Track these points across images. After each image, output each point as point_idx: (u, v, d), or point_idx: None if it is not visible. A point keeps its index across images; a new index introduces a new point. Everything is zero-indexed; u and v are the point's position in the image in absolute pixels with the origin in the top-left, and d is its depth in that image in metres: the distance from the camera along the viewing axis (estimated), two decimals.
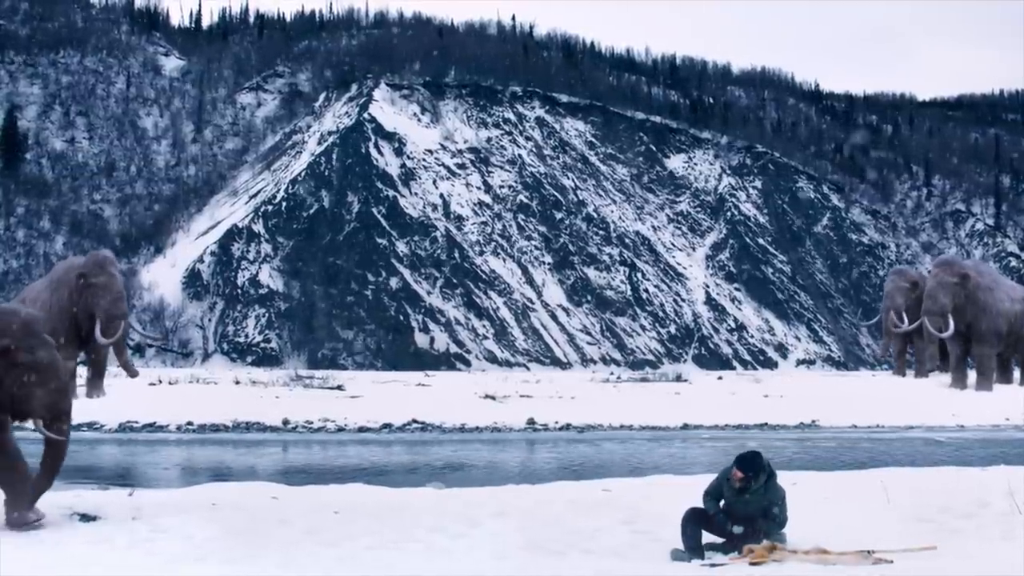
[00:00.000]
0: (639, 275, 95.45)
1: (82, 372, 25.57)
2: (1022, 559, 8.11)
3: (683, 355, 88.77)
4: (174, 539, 8.93)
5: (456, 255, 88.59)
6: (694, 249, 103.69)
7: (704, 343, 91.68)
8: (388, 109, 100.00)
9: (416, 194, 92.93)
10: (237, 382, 29.81)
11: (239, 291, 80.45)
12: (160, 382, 29.11)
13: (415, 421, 21.16)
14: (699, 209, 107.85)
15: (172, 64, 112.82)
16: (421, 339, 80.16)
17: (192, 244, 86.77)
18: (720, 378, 39.69)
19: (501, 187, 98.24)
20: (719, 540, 8.91)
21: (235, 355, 74.77)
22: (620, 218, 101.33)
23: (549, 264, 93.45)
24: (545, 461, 16.95)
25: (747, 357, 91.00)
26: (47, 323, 9.74)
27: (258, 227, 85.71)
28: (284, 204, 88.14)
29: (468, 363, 77.94)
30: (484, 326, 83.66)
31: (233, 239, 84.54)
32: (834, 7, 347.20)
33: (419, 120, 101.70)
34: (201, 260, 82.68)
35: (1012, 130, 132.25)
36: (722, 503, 8.89)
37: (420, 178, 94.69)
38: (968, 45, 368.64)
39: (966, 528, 9.43)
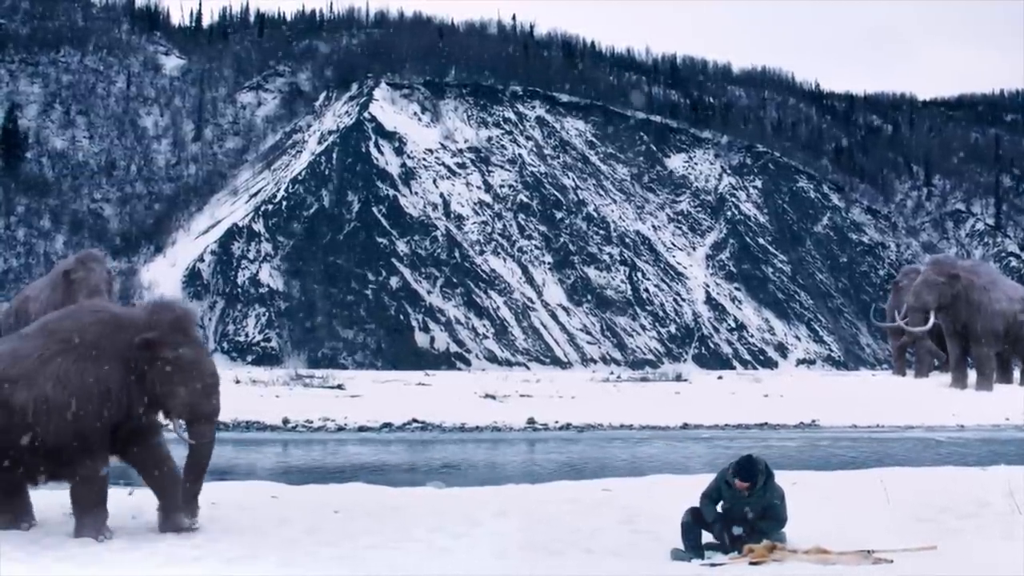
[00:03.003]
0: (639, 275, 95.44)
1: None
2: (1022, 559, 8.11)
3: (683, 355, 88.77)
4: (173, 538, 8.93)
5: (456, 254, 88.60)
6: (694, 249, 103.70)
7: (704, 343, 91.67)
8: (388, 108, 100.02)
9: (416, 193, 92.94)
10: (237, 381, 29.75)
11: (239, 290, 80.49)
12: None
13: (415, 420, 21.14)
14: (699, 209, 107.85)
15: (172, 63, 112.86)
16: (421, 338, 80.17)
17: (192, 243, 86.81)
18: (720, 378, 39.64)
19: (501, 186, 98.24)
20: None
21: (235, 354, 74.79)
22: (620, 218, 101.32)
23: (549, 264, 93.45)
24: (545, 460, 16.95)
25: (747, 357, 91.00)
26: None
27: (258, 226, 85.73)
28: (284, 203, 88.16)
29: (468, 363, 77.95)
30: (484, 325, 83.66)
31: (233, 238, 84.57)
32: (834, 7, 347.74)
33: (419, 119, 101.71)
34: (201, 259, 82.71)
35: (1013, 130, 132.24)
36: (720, 506, 8.87)
37: (420, 177, 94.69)
38: (968, 45, 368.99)
39: (966, 528, 9.43)
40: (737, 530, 8.73)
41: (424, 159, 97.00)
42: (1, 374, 8.67)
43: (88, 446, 8.76)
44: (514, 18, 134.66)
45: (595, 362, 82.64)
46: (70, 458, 8.76)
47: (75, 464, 8.78)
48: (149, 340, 8.86)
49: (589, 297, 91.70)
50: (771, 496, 8.80)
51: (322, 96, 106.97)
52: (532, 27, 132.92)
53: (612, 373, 43.95)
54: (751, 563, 8.24)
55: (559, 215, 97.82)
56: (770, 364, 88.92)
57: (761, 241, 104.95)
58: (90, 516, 8.87)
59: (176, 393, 8.96)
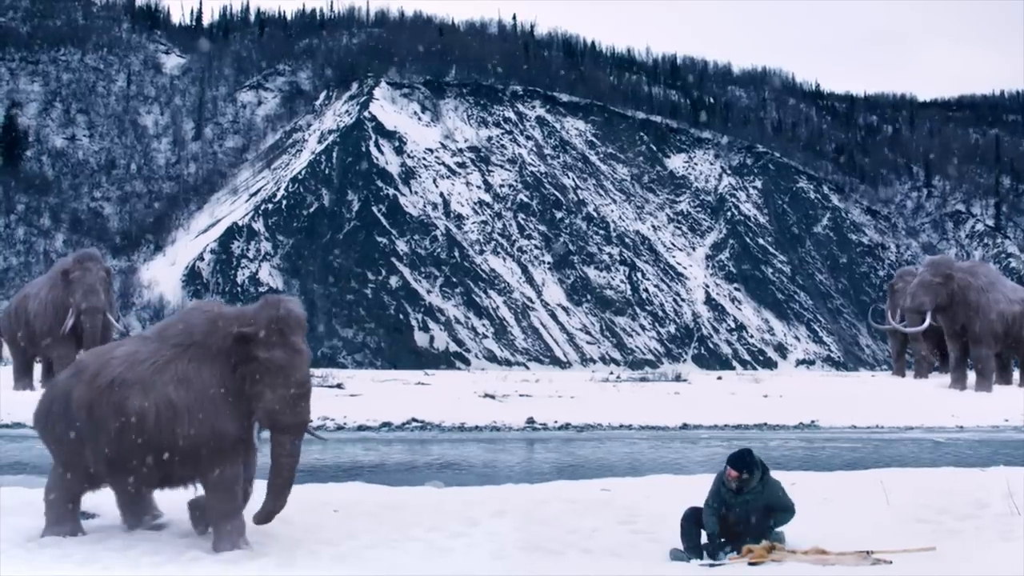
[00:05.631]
0: (639, 275, 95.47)
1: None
2: (1021, 560, 8.11)
3: (683, 355, 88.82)
4: (172, 537, 8.93)
5: (456, 254, 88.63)
6: (694, 249, 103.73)
7: (704, 343, 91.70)
8: (388, 108, 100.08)
9: (416, 193, 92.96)
10: None
11: (239, 289, 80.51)
12: None
13: (414, 420, 21.10)
14: (699, 209, 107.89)
15: (173, 62, 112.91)
16: (421, 338, 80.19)
17: (192, 242, 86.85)
18: (720, 378, 39.52)
19: (501, 186, 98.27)
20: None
21: None
22: (620, 218, 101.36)
23: (549, 263, 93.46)
24: (544, 460, 16.93)
25: (747, 357, 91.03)
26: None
27: (258, 225, 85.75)
28: (284, 202, 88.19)
29: (468, 362, 77.98)
30: (484, 325, 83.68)
31: (233, 237, 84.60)
32: (835, 8, 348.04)
33: (419, 119, 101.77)
34: (201, 258, 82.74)
35: (1012, 131, 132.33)
36: (719, 512, 8.85)
37: (420, 177, 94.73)
38: (968, 46, 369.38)
39: (965, 529, 9.42)
40: (730, 551, 8.69)
41: (424, 158, 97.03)
42: (117, 377, 8.39)
43: (222, 446, 8.38)
44: (514, 18, 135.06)
45: (594, 362, 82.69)
46: (203, 461, 8.42)
47: (208, 468, 8.43)
48: (243, 335, 8.37)
49: (589, 297, 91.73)
50: (769, 493, 8.80)
51: (322, 95, 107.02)
52: (532, 27, 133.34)
53: (611, 373, 43.90)
54: (750, 563, 8.25)
55: (559, 215, 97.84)
56: (770, 364, 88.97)
57: (761, 241, 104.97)
58: (228, 523, 8.52)
59: (262, 396, 8.38)
